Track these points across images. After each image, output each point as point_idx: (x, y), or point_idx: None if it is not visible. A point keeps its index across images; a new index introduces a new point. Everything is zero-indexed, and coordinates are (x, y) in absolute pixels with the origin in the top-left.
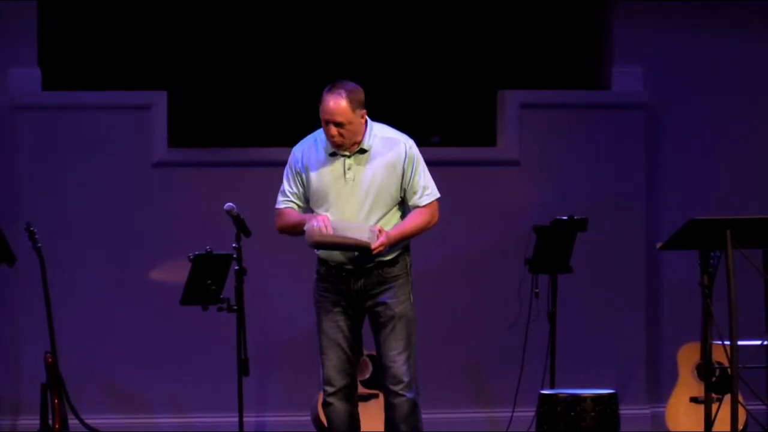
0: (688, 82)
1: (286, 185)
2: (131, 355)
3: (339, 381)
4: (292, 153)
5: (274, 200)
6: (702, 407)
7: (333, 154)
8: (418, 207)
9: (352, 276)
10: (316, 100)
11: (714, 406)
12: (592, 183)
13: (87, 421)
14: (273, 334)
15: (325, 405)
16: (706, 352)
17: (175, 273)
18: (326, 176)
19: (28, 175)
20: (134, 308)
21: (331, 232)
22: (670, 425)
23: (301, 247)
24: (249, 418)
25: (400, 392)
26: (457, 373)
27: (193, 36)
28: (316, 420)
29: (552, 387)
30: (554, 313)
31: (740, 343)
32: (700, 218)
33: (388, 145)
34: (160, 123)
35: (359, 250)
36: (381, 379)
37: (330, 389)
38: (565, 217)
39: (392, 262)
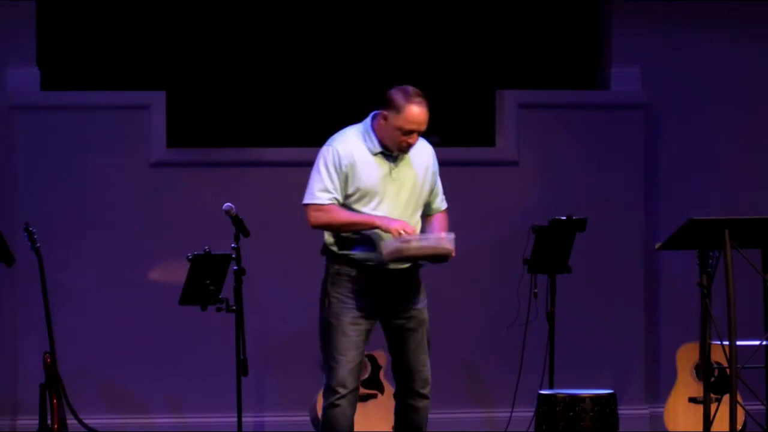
0: (687, 82)
1: (327, 181)
2: (130, 356)
3: (351, 384)
4: (330, 149)
5: (273, 200)
6: (701, 407)
7: (377, 154)
8: (440, 211)
9: (389, 280)
10: (314, 101)
11: (713, 406)
12: (590, 183)
13: (86, 421)
14: (272, 335)
15: (332, 406)
16: (704, 352)
17: (173, 273)
18: (374, 175)
19: (26, 175)
20: (133, 308)
21: (414, 242)
22: (669, 425)
23: (299, 248)
24: (247, 419)
25: (427, 395)
26: (456, 373)
27: (192, 36)
28: (315, 420)
29: (551, 387)
30: (553, 313)
31: (739, 343)
32: (699, 218)
33: (419, 147)
34: (159, 123)
35: (435, 259)
36: (403, 382)
37: (343, 391)
38: (563, 217)
39: (419, 267)
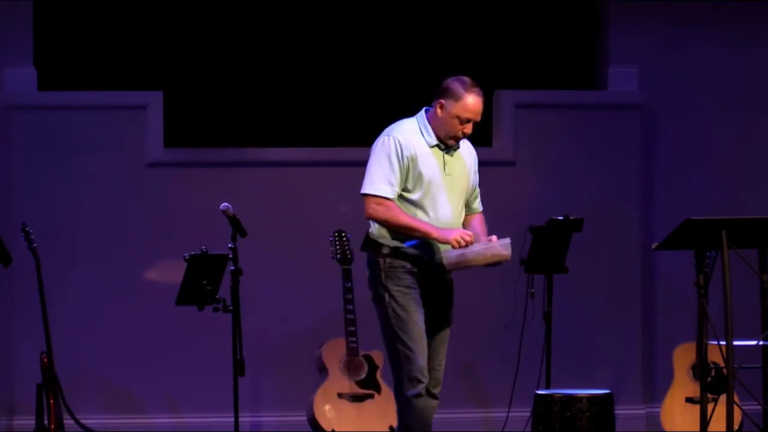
0: (684, 82)
1: (389, 173)
2: (127, 355)
3: (427, 374)
4: (392, 139)
5: (270, 200)
6: (697, 407)
7: (433, 147)
8: (478, 212)
9: (437, 275)
10: (311, 100)
11: (709, 406)
12: (587, 183)
13: (82, 421)
14: (269, 335)
15: (419, 396)
16: (701, 352)
17: (170, 273)
18: (432, 167)
19: (23, 175)
20: (130, 308)
21: (474, 252)
22: (666, 425)
23: (296, 248)
24: (244, 418)
25: (437, 395)
26: (453, 373)
27: (189, 36)
28: (312, 420)
29: (547, 387)
30: (550, 313)
31: (736, 343)
32: (696, 218)
33: (466, 145)
34: (156, 123)
35: (493, 264)
36: None
37: (425, 379)
38: (560, 217)
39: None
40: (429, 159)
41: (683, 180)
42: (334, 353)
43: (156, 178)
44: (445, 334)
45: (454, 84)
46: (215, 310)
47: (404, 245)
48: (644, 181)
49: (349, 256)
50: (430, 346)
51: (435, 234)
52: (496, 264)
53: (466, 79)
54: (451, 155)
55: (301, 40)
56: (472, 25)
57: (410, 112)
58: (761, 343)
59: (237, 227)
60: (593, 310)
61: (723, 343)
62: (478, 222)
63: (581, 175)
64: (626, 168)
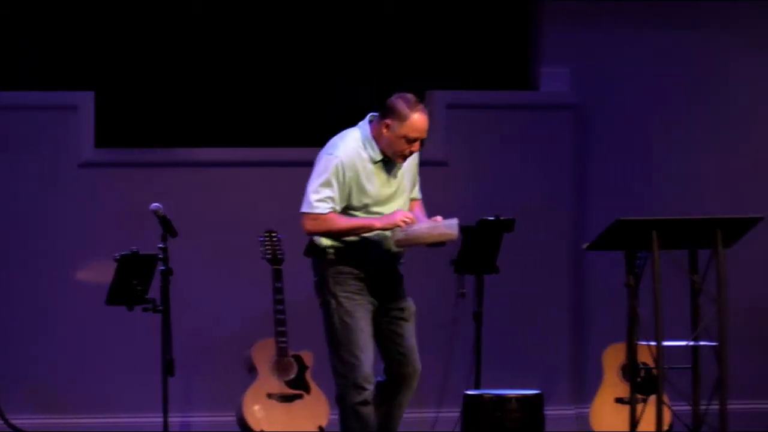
0: (616, 82)
1: (327, 190)
2: (57, 356)
3: (374, 379)
4: (333, 159)
5: (200, 200)
6: (627, 408)
7: (377, 162)
8: (417, 199)
9: (385, 274)
10: (242, 101)
11: (639, 407)
12: (519, 183)
13: (12, 421)
14: (198, 335)
15: (363, 404)
16: (631, 352)
17: (101, 273)
18: (374, 183)
19: None
20: (60, 308)
21: (422, 228)
22: (595, 426)
23: (227, 248)
24: (174, 419)
25: (413, 386)
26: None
27: (120, 36)
28: (241, 420)
29: (477, 387)
30: (480, 313)
31: (666, 343)
32: (627, 219)
33: None
34: (87, 123)
35: (437, 244)
36: (396, 372)
37: (370, 387)
38: (491, 218)
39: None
40: (372, 176)
41: (615, 180)
42: (263, 353)
43: (87, 178)
44: (413, 327)
45: (398, 103)
46: (145, 310)
47: (350, 251)
48: (576, 181)
49: (279, 257)
50: (401, 340)
51: (379, 224)
52: (441, 244)
53: (410, 97)
54: (396, 166)
55: (225, 40)
56: (404, 25)
57: (339, 113)
58: (691, 343)
59: (167, 227)
60: (524, 311)
61: (653, 343)
62: (418, 208)
63: (513, 176)
64: (558, 168)
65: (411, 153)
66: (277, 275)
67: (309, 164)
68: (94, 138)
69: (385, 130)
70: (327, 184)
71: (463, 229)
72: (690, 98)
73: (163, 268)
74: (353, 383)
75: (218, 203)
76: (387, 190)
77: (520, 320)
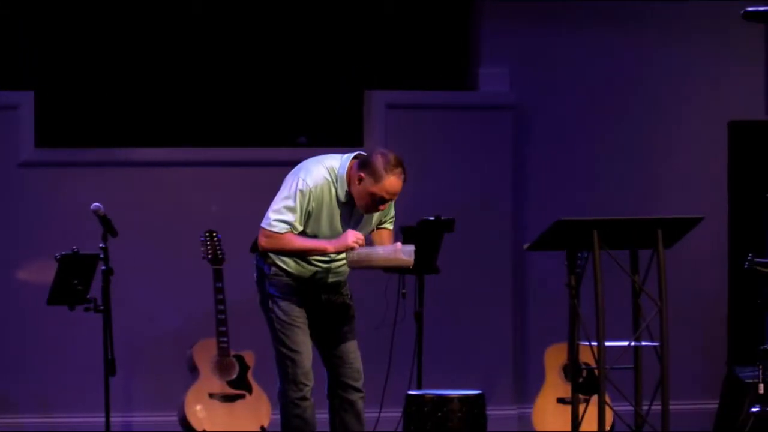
0: (556, 83)
1: (289, 214)
2: None
3: (312, 376)
4: (304, 186)
5: (141, 200)
6: (569, 408)
7: (343, 202)
8: (387, 230)
9: (321, 288)
10: (183, 101)
11: (581, 407)
12: (459, 183)
13: None
14: (140, 334)
15: (303, 400)
16: (573, 352)
17: (41, 273)
18: (335, 220)
19: None
20: (2, 308)
21: (377, 253)
22: (537, 426)
23: (168, 248)
24: (116, 418)
25: (361, 388)
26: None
27: (60, 36)
28: (183, 420)
29: (419, 387)
30: (421, 313)
31: (607, 343)
32: (567, 219)
33: None
34: (27, 123)
35: (393, 269)
36: (336, 376)
37: (309, 383)
38: (432, 218)
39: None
40: (334, 212)
41: (555, 180)
42: (205, 353)
43: (27, 178)
44: (353, 328)
45: (377, 160)
46: (86, 309)
47: (287, 266)
48: (515, 181)
49: (220, 257)
50: (338, 341)
51: (332, 248)
52: (396, 269)
53: (391, 157)
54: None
55: (163, 40)
56: (342, 24)
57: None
58: (632, 343)
59: (108, 227)
60: (465, 311)
61: (594, 343)
62: (386, 236)
63: (453, 176)
64: (498, 168)
65: (378, 210)
66: (218, 275)
67: (249, 164)
68: (34, 138)
69: (357, 182)
70: (290, 209)
71: (403, 229)
72: (629, 98)
73: (104, 267)
74: (293, 379)
75: (159, 203)
76: (345, 227)
77: (461, 320)
